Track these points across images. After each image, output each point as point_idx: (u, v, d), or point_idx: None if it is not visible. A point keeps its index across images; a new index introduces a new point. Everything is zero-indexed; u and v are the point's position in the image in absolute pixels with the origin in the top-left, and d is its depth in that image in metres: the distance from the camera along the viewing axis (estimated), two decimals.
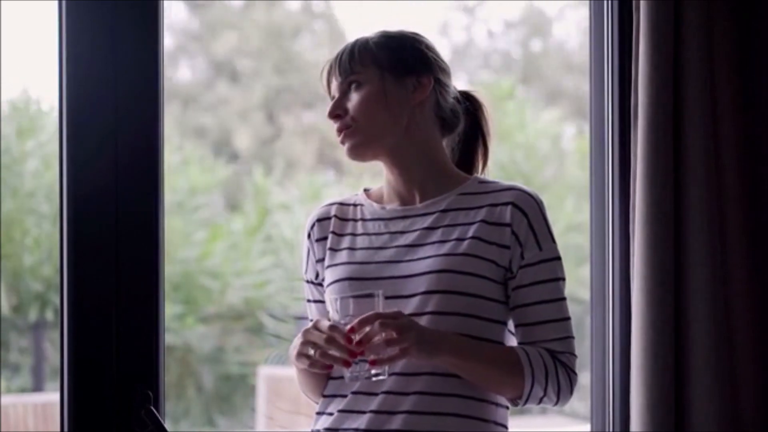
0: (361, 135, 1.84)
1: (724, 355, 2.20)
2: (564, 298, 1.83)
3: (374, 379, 1.71)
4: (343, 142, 1.85)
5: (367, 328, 1.67)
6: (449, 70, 1.91)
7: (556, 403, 1.82)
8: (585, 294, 2.43)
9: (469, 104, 1.94)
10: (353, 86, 1.84)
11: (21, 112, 6.92)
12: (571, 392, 1.82)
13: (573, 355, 1.82)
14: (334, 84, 1.87)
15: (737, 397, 2.24)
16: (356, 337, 1.67)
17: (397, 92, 1.84)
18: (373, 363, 1.68)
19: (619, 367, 2.30)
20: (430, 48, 1.90)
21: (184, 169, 7.36)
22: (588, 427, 2.39)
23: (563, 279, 1.84)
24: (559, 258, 1.84)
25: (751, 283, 2.26)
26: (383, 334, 1.67)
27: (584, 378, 2.39)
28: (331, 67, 1.87)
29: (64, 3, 1.91)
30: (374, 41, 1.86)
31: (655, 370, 2.18)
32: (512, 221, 1.81)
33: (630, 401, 2.24)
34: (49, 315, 6.72)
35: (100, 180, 1.91)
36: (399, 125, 1.85)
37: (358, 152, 1.85)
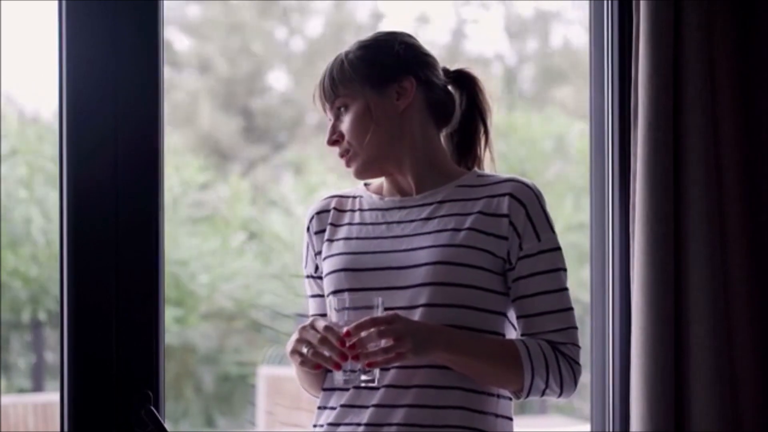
0: (361, 158, 1.86)
1: (724, 355, 2.20)
2: (565, 289, 1.83)
3: (363, 385, 1.71)
4: (348, 166, 1.87)
5: (363, 333, 1.67)
6: (433, 59, 1.90)
7: (560, 395, 1.81)
8: (585, 294, 2.43)
9: (462, 82, 1.93)
10: (341, 109, 1.86)
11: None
12: (575, 383, 1.81)
13: (575, 345, 1.81)
14: (327, 106, 1.89)
15: (737, 397, 2.24)
16: (350, 341, 1.67)
17: (382, 106, 1.85)
18: (369, 365, 1.68)
19: (619, 367, 2.30)
20: (406, 45, 1.88)
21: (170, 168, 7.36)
22: (588, 427, 2.39)
23: (564, 269, 1.84)
24: (559, 248, 1.84)
25: (751, 283, 2.26)
26: (381, 342, 1.67)
27: (584, 378, 2.39)
28: (318, 92, 1.89)
29: (64, 3, 1.91)
30: (349, 58, 1.86)
31: (655, 370, 2.18)
32: (510, 212, 1.81)
33: (630, 401, 2.24)
34: (42, 316, 6.72)
35: (100, 180, 1.91)
36: (393, 137, 1.85)
37: (364, 175, 1.88)
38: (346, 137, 1.85)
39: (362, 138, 1.84)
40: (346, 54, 1.87)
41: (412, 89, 1.86)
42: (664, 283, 2.19)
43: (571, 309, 1.83)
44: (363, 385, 1.71)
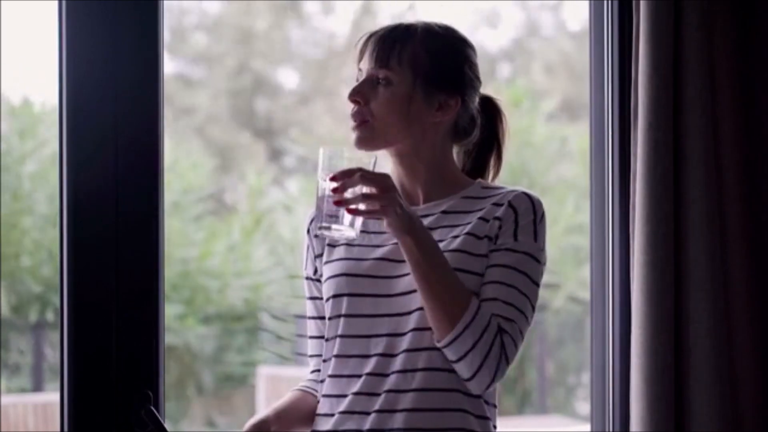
0: (373, 132, 1.81)
1: (724, 355, 2.20)
2: (523, 293, 1.76)
3: (335, 232, 1.70)
4: (354, 130, 1.82)
5: (349, 179, 1.67)
6: (480, 84, 1.88)
7: (473, 376, 1.73)
8: (585, 294, 2.43)
9: (487, 110, 1.91)
10: (383, 80, 1.81)
11: (22, 113, 6.92)
12: (494, 375, 1.73)
13: (513, 342, 1.74)
14: (366, 62, 1.82)
15: (737, 397, 2.24)
16: (334, 185, 1.67)
17: (421, 105, 1.81)
18: (350, 212, 1.68)
19: (619, 367, 2.30)
20: (470, 64, 1.85)
21: (179, 169, 7.38)
22: (588, 427, 2.40)
23: (532, 280, 1.77)
24: (534, 258, 1.78)
25: (751, 283, 2.26)
26: (364, 188, 1.67)
27: (584, 378, 2.39)
28: (368, 43, 1.83)
29: (64, 3, 1.91)
30: (420, 41, 1.81)
31: (655, 370, 2.18)
32: (503, 216, 1.79)
33: (630, 401, 2.24)
34: (50, 316, 6.72)
35: (100, 180, 1.91)
36: (412, 136, 1.83)
37: (366, 146, 1.82)
38: (372, 107, 1.80)
39: (388, 119, 1.80)
40: (416, 34, 1.82)
41: (455, 110, 1.84)
42: (664, 283, 2.19)
43: (523, 312, 1.76)
44: (336, 234, 1.70)
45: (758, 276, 2.27)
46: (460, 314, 1.71)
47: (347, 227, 1.70)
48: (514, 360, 1.75)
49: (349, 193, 1.68)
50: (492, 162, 1.94)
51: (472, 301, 1.73)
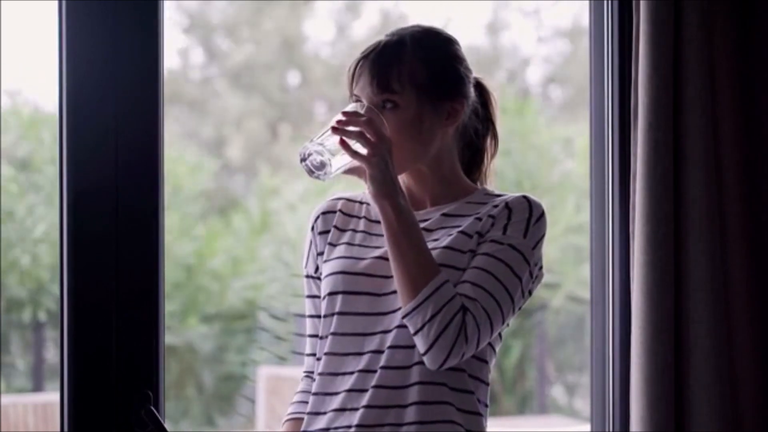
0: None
1: (724, 355, 2.21)
2: (498, 280, 1.74)
3: (313, 162, 1.73)
4: None
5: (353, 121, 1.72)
6: (472, 74, 1.87)
7: (429, 349, 1.70)
8: (585, 294, 2.43)
9: (479, 95, 1.90)
10: (388, 104, 1.79)
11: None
12: (450, 351, 1.69)
13: (475, 321, 1.71)
14: (365, 88, 1.80)
15: (737, 397, 2.24)
16: (342, 118, 1.71)
17: (432, 120, 1.80)
18: (342, 144, 1.71)
19: (619, 367, 2.30)
20: (462, 61, 1.85)
21: (175, 168, 7.38)
22: (588, 427, 2.40)
23: (513, 270, 1.75)
24: (518, 250, 1.76)
25: (751, 283, 2.26)
26: (362, 130, 1.70)
27: (584, 378, 2.39)
28: (360, 68, 1.80)
29: (64, 3, 1.91)
30: (413, 55, 1.80)
31: (655, 370, 2.18)
32: (497, 214, 1.79)
33: (630, 401, 2.24)
34: (50, 315, 6.72)
35: (100, 180, 1.92)
36: (427, 153, 1.82)
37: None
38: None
39: (400, 144, 1.78)
40: (412, 49, 1.80)
41: (462, 113, 1.83)
42: (664, 283, 2.19)
43: (492, 296, 1.73)
44: (315, 157, 1.73)
45: (758, 276, 2.27)
46: (424, 285, 1.70)
47: (329, 153, 1.72)
48: (478, 342, 1.72)
49: (349, 127, 1.72)
50: (488, 142, 1.93)
51: (440, 275, 1.72)
